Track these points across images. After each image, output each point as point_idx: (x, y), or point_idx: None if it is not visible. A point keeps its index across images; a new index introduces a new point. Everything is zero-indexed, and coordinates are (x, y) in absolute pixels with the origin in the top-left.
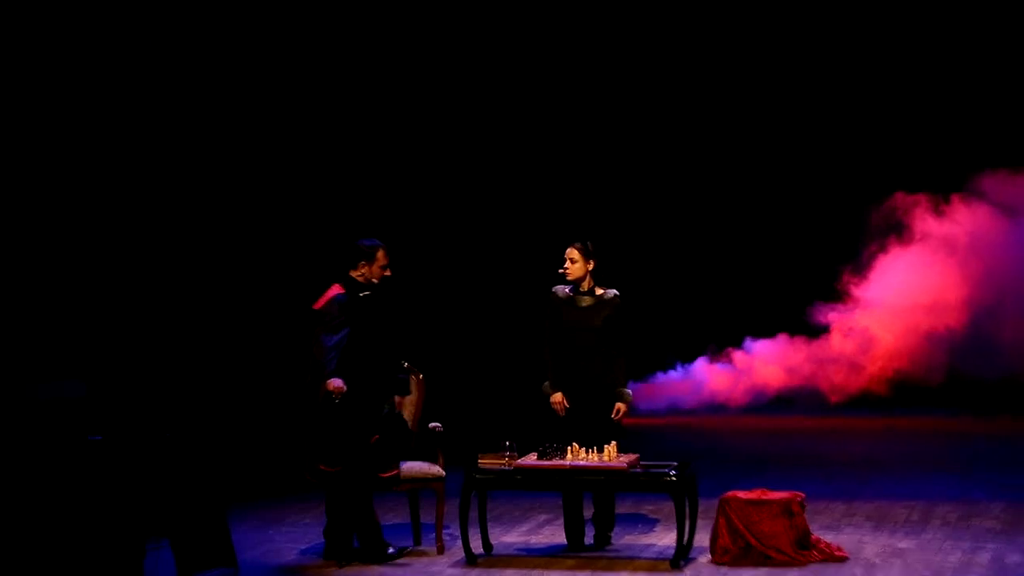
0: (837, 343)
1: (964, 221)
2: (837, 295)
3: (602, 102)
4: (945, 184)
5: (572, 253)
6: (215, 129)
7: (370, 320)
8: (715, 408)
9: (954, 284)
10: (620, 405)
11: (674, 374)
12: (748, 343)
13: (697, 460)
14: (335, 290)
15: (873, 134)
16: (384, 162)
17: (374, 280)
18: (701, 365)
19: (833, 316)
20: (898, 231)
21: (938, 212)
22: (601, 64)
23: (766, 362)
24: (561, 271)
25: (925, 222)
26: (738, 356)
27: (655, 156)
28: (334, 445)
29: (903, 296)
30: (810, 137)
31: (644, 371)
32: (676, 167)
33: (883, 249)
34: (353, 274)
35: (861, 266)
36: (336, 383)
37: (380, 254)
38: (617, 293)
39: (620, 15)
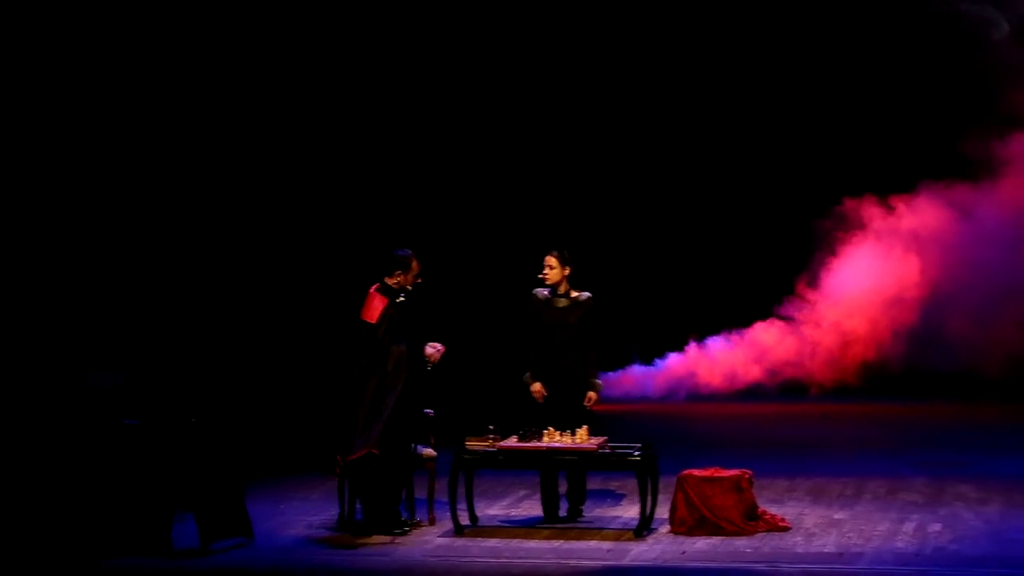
0: (809, 334)
1: (915, 217)
2: (792, 296)
3: (570, 117)
4: (889, 187)
5: (550, 260)
6: (238, 134)
7: (406, 322)
8: (697, 397)
9: (910, 278)
10: (591, 394)
11: (648, 366)
12: (728, 336)
13: (658, 442)
14: (379, 300)
15: (819, 142)
16: (388, 171)
17: (408, 287)
18: (678, 356)
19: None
20: (852, 229)
21: (888, 210)
22: (568, 76)
23: (746, 354)
24: (541, 276)
25: (877, 220)
26: (718, 348)
27: (623, 168)
28: (384, 430)
29: (862, 290)
30: (762, 148)
31: (615, 363)
32: (639, 179)
33: (835, 253)
34: (389, 281)
35: (814, 272)
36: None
37: (414, 264)
38: (590, 295)
39: (586, 26)
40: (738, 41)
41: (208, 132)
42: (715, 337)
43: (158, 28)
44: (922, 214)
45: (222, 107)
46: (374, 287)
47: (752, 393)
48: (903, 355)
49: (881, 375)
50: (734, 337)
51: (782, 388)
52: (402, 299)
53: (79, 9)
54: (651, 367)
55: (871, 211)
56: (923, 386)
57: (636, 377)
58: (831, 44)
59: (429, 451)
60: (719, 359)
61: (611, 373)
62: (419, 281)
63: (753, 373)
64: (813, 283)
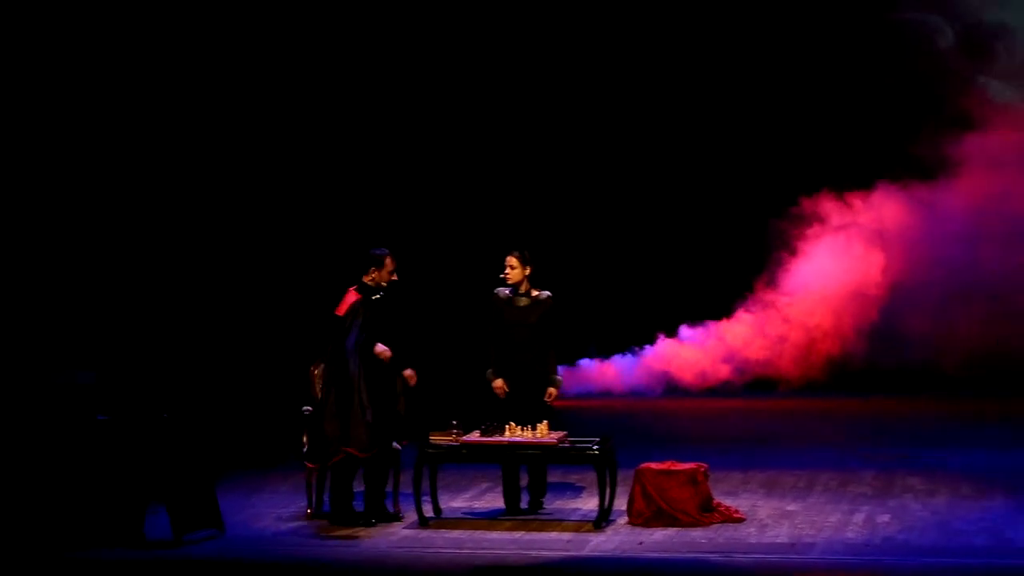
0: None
1: (874, 213)
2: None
3: (532, 117)
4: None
5: (511, 260)
6: (214, 135)
7: (382, 319)
8: (658, 394)
9: (871, 274)
10: (551, 390)
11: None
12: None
13: (616, 436)
14: (352, 295)
15: (777, 143)
16: (357, 174)
17: (383, 284)
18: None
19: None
20: (811, 226)
21: (846, 206)
22: (530, 77)
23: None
24: (502, 276)
25: (836, 216)
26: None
27: (584, 171)
28: (363, 431)
29: (825, 287)
30: (719, 148)
31: (573, 358)
32: (600, 182)
33: (794, 252)
34: (365, 279)
35: (773, 271)
36: (382, 348)
37: (388, 261)
38: (550, 294)
39: (544, 28)
40: (698, 43)
41: (176, 142)
42: (685, 333)
43: (137, 26)
44: (880, 210)
45: (193, 116)
46: (353, 287)
47: (719, 390)
48: (866, 351)
49: (845, 371)
50: (702, 334)
51: (751, 385)
52: (378, 297)
53: (80, 9)
54: (614, 361)
55: (829, 207)
56: (883, 382)
57: (598, 372)
58: (788, 49)
59: (396, 446)
60: (687, 356)
61: (570, 368)
62: (394, 279)
63: (722, 371)
64: (772, 282)
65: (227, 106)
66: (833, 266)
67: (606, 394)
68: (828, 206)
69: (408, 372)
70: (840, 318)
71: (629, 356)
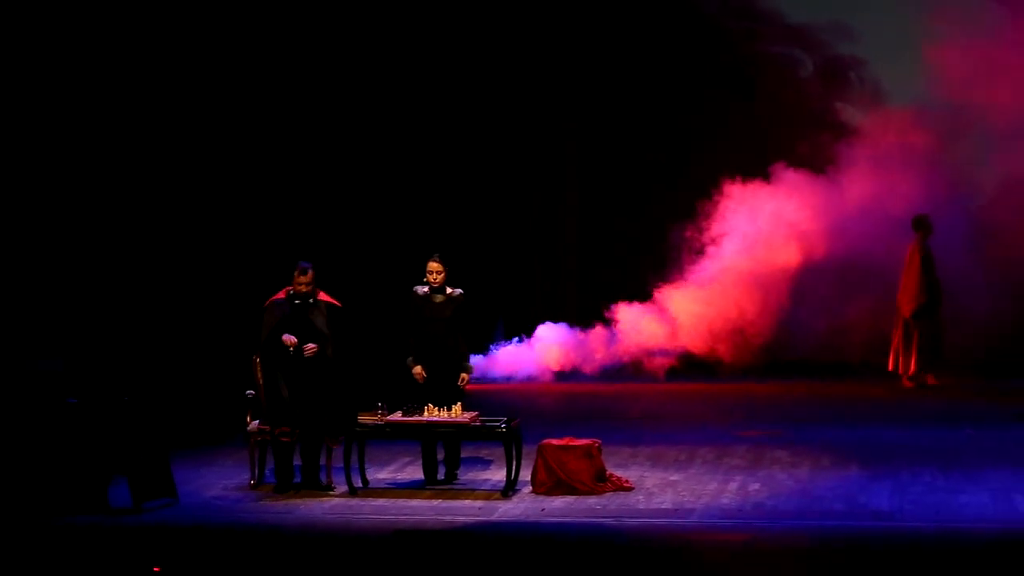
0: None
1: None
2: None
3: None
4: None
5: (434, 264)
6: (177, 138)
7: (297, 320)
8: (567, 375)
9: (781, 261)
10: (464, 375)
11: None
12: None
13: (521, 416)
14: (280, 294)
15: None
16: (292, 184)
17: (302, 290)
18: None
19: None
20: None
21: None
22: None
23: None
24: (428, 279)
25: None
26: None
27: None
28: (292, 410)
29: (736, 273)
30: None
31: (484, 346)
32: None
33: (697, 252)
34: (293, 285)
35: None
36: (289, 337)
37: (296, 273)
38: (462, 292)
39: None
40: (603, 53)
41: (139, 140)
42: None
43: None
44: (785, 197)
45: (147, 113)
46: (285, 289)
47: (626, 374)
48: (774, 337)
49: (754, 356)
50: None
51: (664, 370)
52: (298, 302)
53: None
54: (517, 348)
55: (735, 192)
56: (781, 368)
57: (504, 358)
58: (688, 73)
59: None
60: (589, 344)
61: (482, 355)
62: (302, 290)
63: (625, 356)
64: (681, 273)
65: (178, 107)
66: (744, 253)
67: (512, 378)
68: (733, 190)
69: (288, 339)
70: (750, 306)
71: (526, 344)
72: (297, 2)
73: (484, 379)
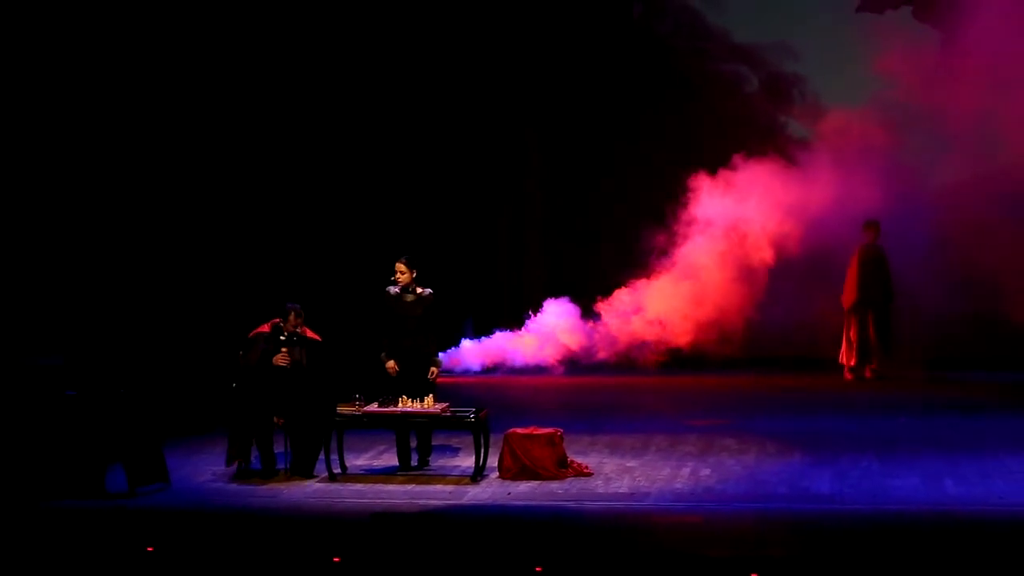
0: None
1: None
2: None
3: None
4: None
5: (400, 267)
6: (165, 140)
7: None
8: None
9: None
10: (433, 368)
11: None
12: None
13: (489, 406)
14: (264, 328)
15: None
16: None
17: (289, 330)
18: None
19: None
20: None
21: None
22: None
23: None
24: (394, 279)
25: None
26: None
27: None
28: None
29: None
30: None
31: (454, 341)
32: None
33: (661, 253)
34: (283, 321)
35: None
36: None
37: (291, 316)
38: (431, 291)
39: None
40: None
41: (138, 141)
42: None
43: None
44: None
45: (144, 116)
46: (270, 323)
47: (598, 367)
48: (745, 333)
49: (722, 350)
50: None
51: (626, 364)
52: (283, 338)
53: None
54: (481, 344)
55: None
56: (745, 362)
57: (470, 353)
58: (652, 87)
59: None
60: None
61: (452, 349)
62: (297, 331)
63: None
64: (647, 269)
65: (159, 109)
66: (717, 247)
67: (481, 372)
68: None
69: (279, 360)
70: (723, 298)
71: (487, 339)
72: (255, 10)
73: (453, 372)
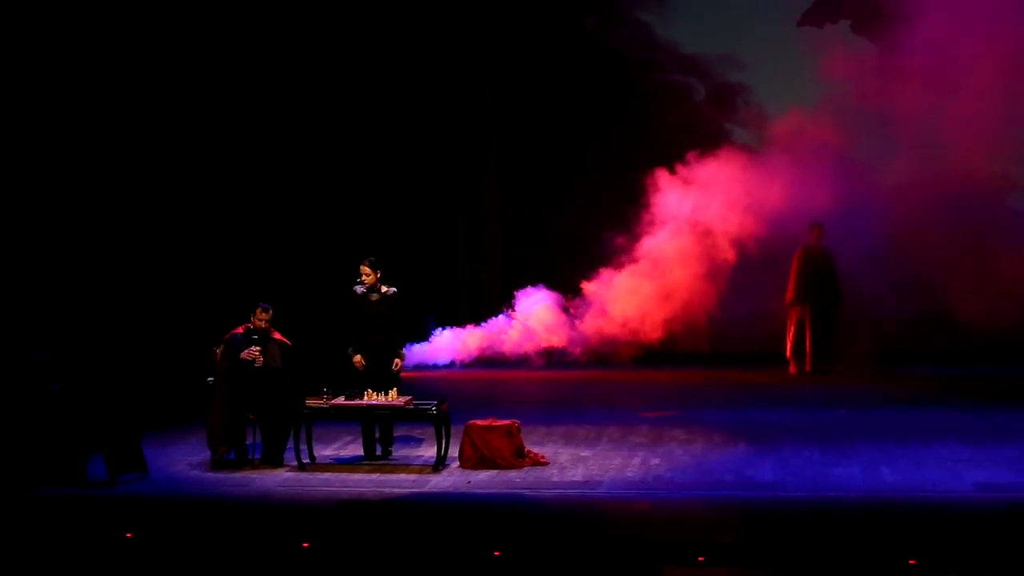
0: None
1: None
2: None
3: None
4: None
5: (365, 268)
6: (149, 142)
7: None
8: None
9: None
10: (398, 361)
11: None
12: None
13: (449, 399)
14: (238, 330)
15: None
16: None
17: (260, 327)
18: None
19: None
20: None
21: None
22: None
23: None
24: (360, 280)
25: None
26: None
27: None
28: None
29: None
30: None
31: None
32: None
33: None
34: (252, 320)
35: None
36: (251, 352)
37: (258, 311)
38: (396, 290)
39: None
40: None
41: (116, 152)
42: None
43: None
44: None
45: (130, 118)
46: (243, 326)
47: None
48: (709, 329)
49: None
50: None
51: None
52: (255, 337)
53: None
54: (441, 339)
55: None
56: (701, 358)
57: (433, 349)
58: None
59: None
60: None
61: (417, 344)
62: (267, 327)
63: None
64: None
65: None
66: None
67: (443, 366)
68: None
69: (246, 355)
70: (690, 299)
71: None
72: (223, 17)
73: (418, 367)
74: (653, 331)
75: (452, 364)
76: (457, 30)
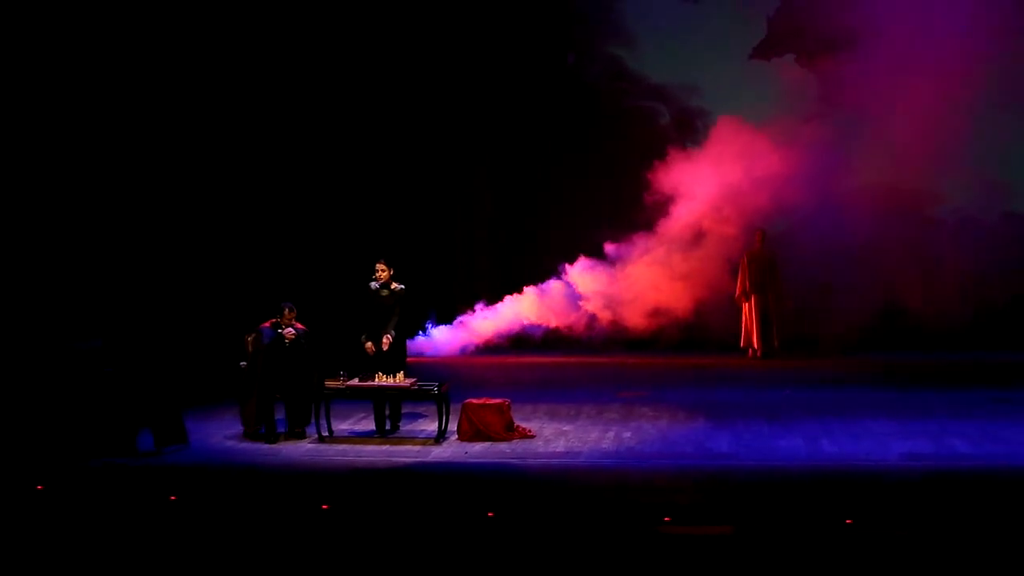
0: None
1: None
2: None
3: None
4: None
5: (381, 266)
6: (182, 142)
7: (281, 344)
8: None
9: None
10: (386, 337)
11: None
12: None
13: (449, 381)
14: (266, 324)
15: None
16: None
17: (285, 324)
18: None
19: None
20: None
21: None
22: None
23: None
24: (375, 278)
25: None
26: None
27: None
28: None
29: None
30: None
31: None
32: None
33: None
34: (280, 318)
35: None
36: (289, 332)
37: (286, 311)
38: (404, 287)
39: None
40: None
41: (166, 144)
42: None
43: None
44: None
45: (164, 117)
46: (271, 320)
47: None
48: (689, 320)
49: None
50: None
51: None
52: (280, 332)
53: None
54: (442, 331)
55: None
56: (688, 343)
57: (433, 340)
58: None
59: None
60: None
61: (423, 336)
62: (291, 322)
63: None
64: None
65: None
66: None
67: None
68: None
69: (288, 333)
70: (679, 292)
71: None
72: (224, 22)
73: (421, 354)
74: (636, 319)
75: (463, 351)
76: (459, 67)
